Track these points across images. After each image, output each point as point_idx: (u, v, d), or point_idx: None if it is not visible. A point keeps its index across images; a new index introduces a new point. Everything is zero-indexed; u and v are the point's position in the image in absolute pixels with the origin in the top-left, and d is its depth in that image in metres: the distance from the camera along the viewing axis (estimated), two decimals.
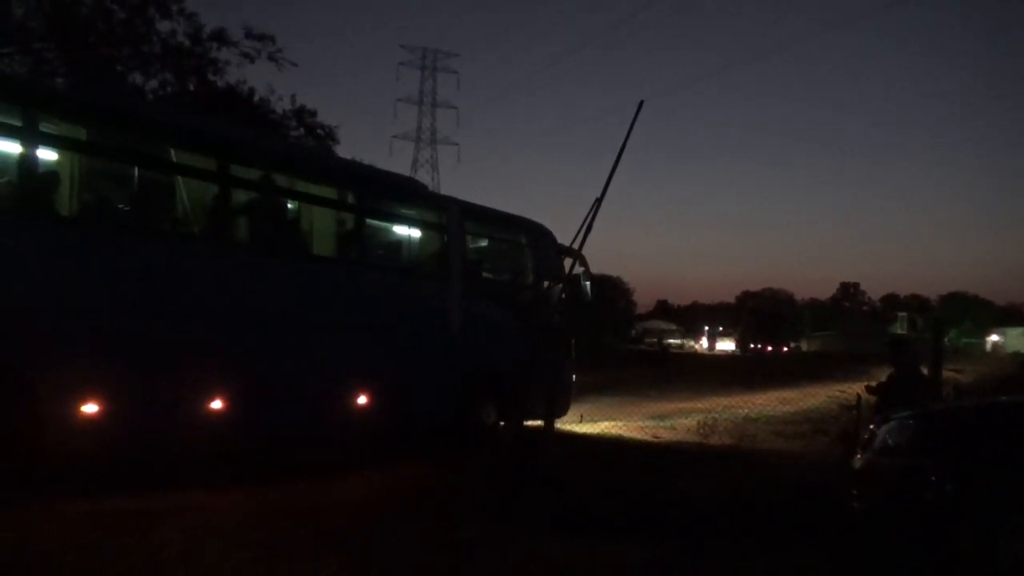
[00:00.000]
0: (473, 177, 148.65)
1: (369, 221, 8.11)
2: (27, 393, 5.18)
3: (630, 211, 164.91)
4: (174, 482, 5.83)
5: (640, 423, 12.66)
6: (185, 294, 6.15)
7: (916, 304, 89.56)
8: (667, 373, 25.69)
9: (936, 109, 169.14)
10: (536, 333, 8.05)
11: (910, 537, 4.77)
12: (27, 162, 5.36)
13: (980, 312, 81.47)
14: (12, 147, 5.42)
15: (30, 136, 5.39)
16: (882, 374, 8.03)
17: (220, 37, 17.31)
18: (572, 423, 11.40)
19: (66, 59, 15.74)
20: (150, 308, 5.87)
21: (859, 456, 5.42)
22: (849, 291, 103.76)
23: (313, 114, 19.91)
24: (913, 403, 6.19)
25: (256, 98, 18.77)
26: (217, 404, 6.28)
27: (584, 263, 9.44)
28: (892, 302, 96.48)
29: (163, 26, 16.77)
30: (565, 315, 9.37)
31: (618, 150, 7.60)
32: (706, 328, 77.18)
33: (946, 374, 9.67)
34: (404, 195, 8.66)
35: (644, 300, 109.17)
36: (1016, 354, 42.03)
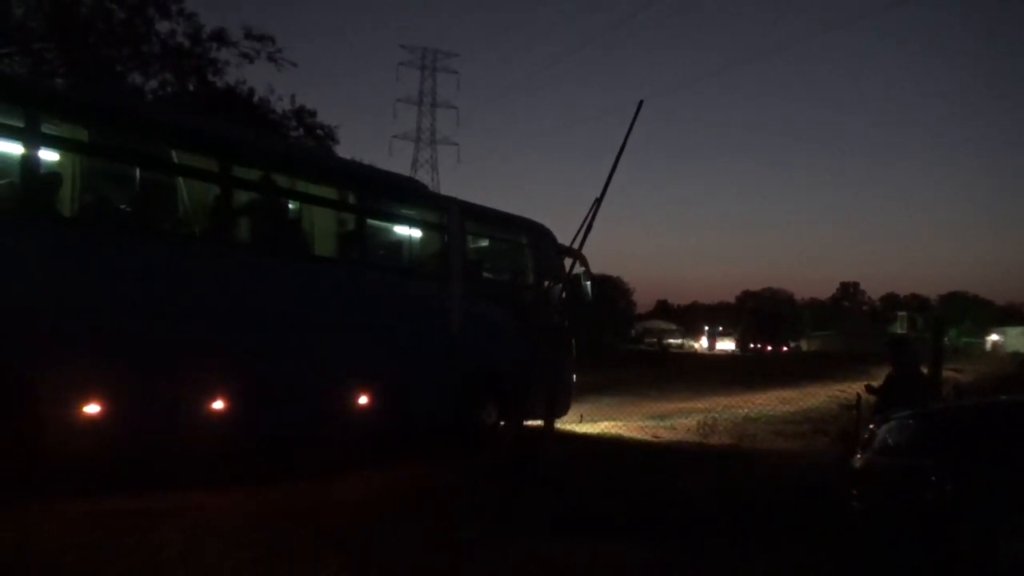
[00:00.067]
0: (473, 177, 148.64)
1: (369, 221, 8.11)
2: (28, 393, 5.18)
3: (630, 211, 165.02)
4: (174, 482, 5.83)
5: (640, 423, 12.66)
6: (186, 294, 6.15)
7: (916, 304, 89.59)
8: (667, 373, 25.68)
9: (936, 109, 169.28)
10: (536, 333, 8.06)
11: (910, 537, 4.77)
12: (28, 163, 5.36)
13: (980, 312, 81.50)
14: (13, 148, 5.43)
15: (31, 137, 5.39)
16: (882, 374, 8.04)
17: (220, 37, 17.33)
18: (572, 423, 11.40)
19: (66, 59, 15.74)
20: (151, 308, 5.87)
21: (859, 456, 5.41)
22: (849, 291, 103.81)
23: (313, 114, 19.94)
24: (913, 403, 6.19)
25: (256, 98, 18.79)
26: (218, 404, 6.28)
27: (584, 263, 9.45)
28: (892, 302, 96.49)
29: (163, 26, 16.79)
30: (565, 315, 9.38)
31: (618, 150, 7.62)
32: (706, 328, 77.13)
33: (946, 374, 9.68)
34: (404, 195, 8.67)
35: (644, 300, 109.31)
36: (1016, 354, 42.00)
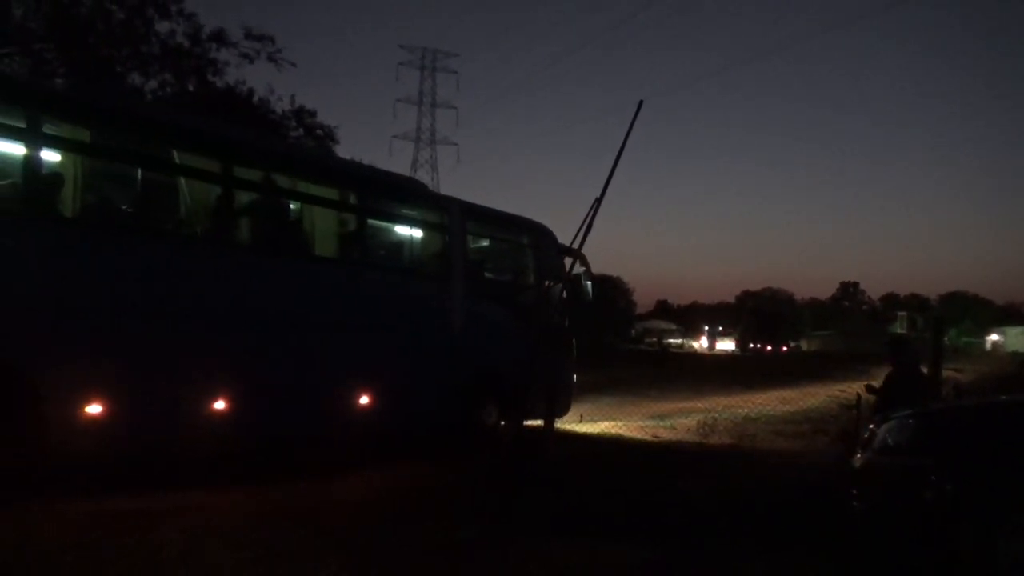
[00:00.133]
0: (473, 177, 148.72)
1: (370, 221, 8.11)
2: (30, 393, 5.18)
3: (630, 211, 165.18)
4: (174, 482, 5.83)
5: (640, 423, 12.66)
6: (187, 294, 6.15)
7: (916, 303, 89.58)
8: (667, 373, 25.69)
9: (936, 109, 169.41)
10: (537, 333, 8.05)
11: (910, 537, 4.77)
12: (30, 163, 5.37)
13: (980, 311, 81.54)
14: (15, 148, 5.43)
15: (33, 137, 5.39)
16: (882, 374, 8.03)
17: (219, 38, 17.34)
18: (572, 423, 11.40)
19: (65, 60, 15.75)
20: (152, 308, 5.87)
21: (859, 455, 5.41)
22: (849, 291, 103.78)
23: (313, 114, 19.95)
24: (913, 402, 6.19)
25: (255, 98, 18.81)
26: (220, 404, 6.28)
27: (585, 263, 9.45)
28: (892, 301, 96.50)
29: (162, 27, 16.81)
30: (566, 315, 9.38)
31: (618, 150, 7.61)
32: (706, 328, 77.17)
33: (946, 373, 9.66)
34: (405, 195, 8.67)
35: (644, 300, 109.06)
36: (1016, 353, 41.99)
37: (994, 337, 68.67)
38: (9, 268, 5.17)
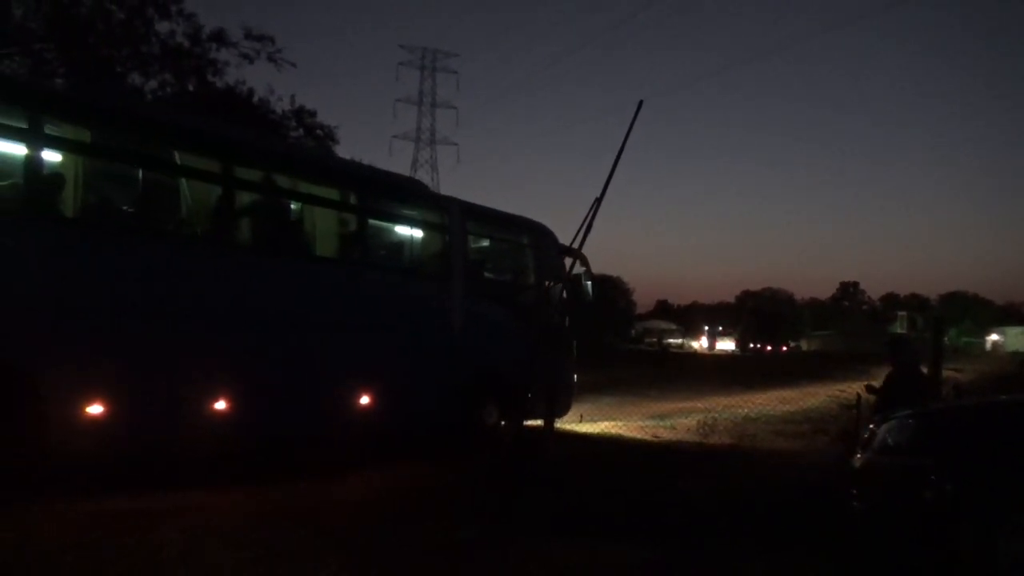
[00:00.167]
0: (473, 177, 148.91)
1: (370, 221, 8.11)
2: (31, 394, 5.19)
3: (630, 211, 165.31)
4: (174, 482, 5.83)
5: (640, 423, 12.66)
6: (187, 294, 6.16)
7: (916, 303, 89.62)
8: (667, 373, 25.69)
9: (936, 109, 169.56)
10: (537, 333, 8.05)
11: (910, 537, 4.77)
12: (32, 164, 5.38)
13: (980, 311, 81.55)
14: (17, 149, 5.44)
15: (34, 138, 5.40)
16: (882, 374, 8.03)
17: (219, 38, 17.34)
18: (572, 423, 11.40)
19: (66, 60, 15.75)
20: (153, 308, 5.88)
21: (859, 455, 5.41)
22: (849, 291, 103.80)
23: (312, 114, 19.95)
24: (913, 402, 6.19)
25: (255, 99, 18.81)
26: (220, 404, 6.28)
27: (585, 263, 9.45)
28: (892, 301, 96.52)
29: (162, 27, 16.81)
30: (566, 315, 9.38)
31: (618, 150, 7.61)
32: (706, 328, 77.16)
33: (946, 373, 9.66)
34: (405, 195, 8.67)
35: (644, 300, 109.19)
36: (1016, 353, 42.04)
37: (994, 337, 68.67)
38: (10, 268, 5.17)
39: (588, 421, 12.09)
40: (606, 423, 12.12)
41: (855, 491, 5.18)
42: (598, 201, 7.62)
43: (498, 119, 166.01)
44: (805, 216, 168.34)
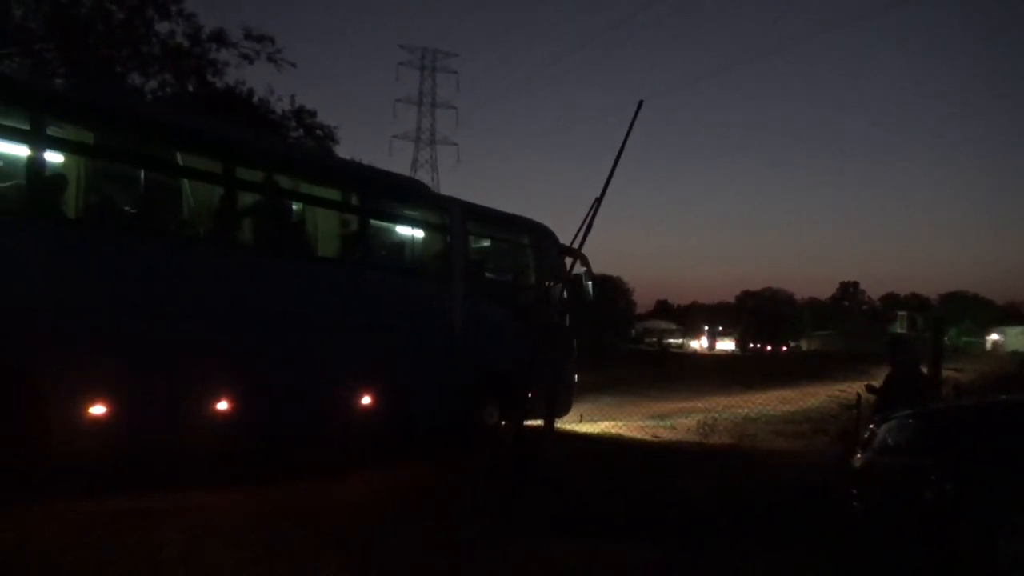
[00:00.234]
0: (473, 177, 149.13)
1: (371, 222, 8.11)
2: (34, 394, 5.19)
3: (630, 211, 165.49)
4: (174, 482, 5.84)
5: (640, 423, 12.66)
6: (189, 295, 6.16)
7: (916, 303, 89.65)
8: (667, 373, 25.70)
9: (936, 109, 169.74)
10: (537, 333, 8.05)
11: (910, 537, 4.77)
12: (34, 164, 5.38)
13: (980, 311, 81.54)
14: (19, 149, 5.44)
15: (37, 139, 5.40)
16: (881, 373, 8.03)
17: (219, 38, 17.35)
18: (572, 423, 11.40)
19: (65, 60, 15.76)
20: (154, 309, 5.88)
21: (859, 455, 5.41)
22: (849, 290, 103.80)
23: (312, 114, 19.96)
24: (913, 402, 6.19)
25: (255, 99, 18.81)
26: (222, 404, 6.29)
27: (586, 263, 9.45)
28: (892, 301, 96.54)
29: (162, 27, 16.83)
30: (567, 315, 9.38)
31: (618, 150, 7.61)
32: (706, 328, 77.17)
33: (946, 373, 9.66)
34: (406, 196, 8.66)
35: (644, 300, 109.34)
36: (1016, 353, 42.07)
37: (994, 337, 68.67)
38: (13, 269, 5.18)
39: (588, 421, 12.09)
40: (606, 423, 12.12)
41: (855, 491, 5.18)
42: (598, 201, 7.62)
43: (498, 119, 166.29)
44: (805, 216, 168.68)
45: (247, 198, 7.10)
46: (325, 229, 7.63)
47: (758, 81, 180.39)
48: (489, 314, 8.82)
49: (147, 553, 4.19)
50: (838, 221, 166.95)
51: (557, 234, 9.74)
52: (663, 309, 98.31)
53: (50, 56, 15.72)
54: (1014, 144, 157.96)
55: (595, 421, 12.22)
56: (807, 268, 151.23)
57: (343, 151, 20.79)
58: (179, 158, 6.62)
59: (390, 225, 8.66)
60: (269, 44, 17.66)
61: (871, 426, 5.58)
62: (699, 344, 73.33)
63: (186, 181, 6.63)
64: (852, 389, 10.55)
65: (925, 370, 8.19)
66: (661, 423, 12.71)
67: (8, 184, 5.62)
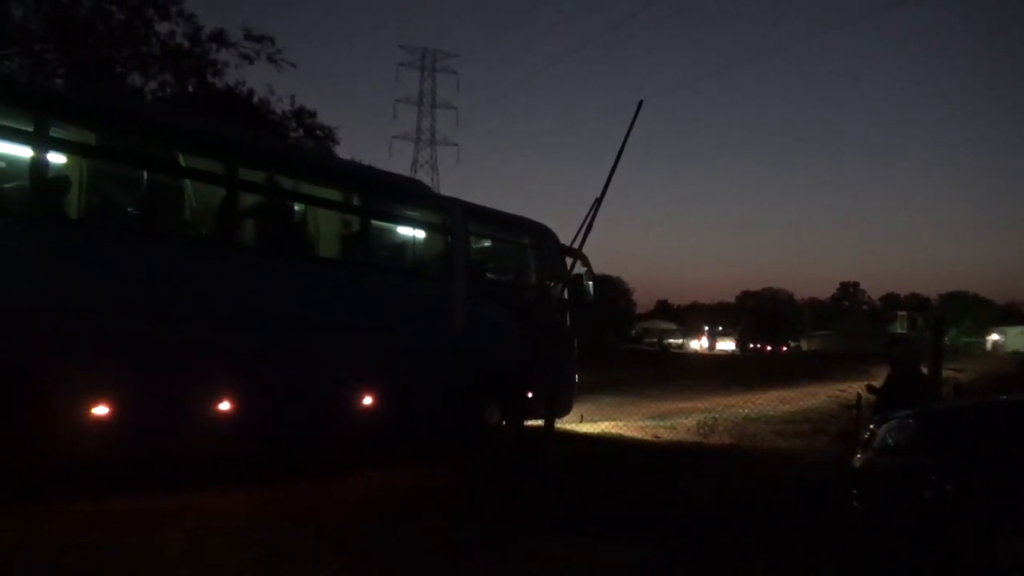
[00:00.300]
0: (473, 177, 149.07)
1: (373, 222, 8.11)
2: (36, 395, 5.20)
3: (630, 211, 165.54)
4: (176, 482, 5.84)
5: (640, 423, 12.67)
6: (191, 296, 6.17)
7: (916, 303, 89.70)
8: (667, 373, 25.71)
9: (936, 109, 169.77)
10: (538, 333, 8.05)
11: (910, 537, 4.77)
12: (37, 165, 5.39)
13: (980, 311, 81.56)
14: (22, 151, 5.45)
15: (40, 140, 5.41)
16: (882, 373, 8.04)
17: (219, 38, 17.34)
18: (572, 423, 11.41)
19: (65, 60, 15.75)
20: (157, 310, 5.89)
21: (859, 455, 5.41)
22: (849, 290, 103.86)
23: (312, 115, 19.95)
24: (913, 402, 6.19)
25: (255, 99, 18.80)
26: (224, 405, 6.29)
27: (586, 263, 9.45)
28: (892, 301, 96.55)
29: (162, 27, 16.81)
30: (568, 315, 9.38)
31: (618, 150, 7.61)
32: (706, 328, 77.13)
33: (946, 373, 9.67)
34: (407, 196, 8.67)
35: (644, 300, 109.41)
36: (1016, 353, 42.08)
37: (994, 337, 68.64)
38: (16, 269, 5.19)
39: (588, 421, 12.09)
40: (606, 423, 12.13)
41: (855, 491, 5.18)
42: (598, 201, 7.62)
43: (498, 119, 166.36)
44: (805, 216, 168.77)
45: (248, 199, 7.10)
46: (326, 230, 7.64)
47: (758, 81, 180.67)
48: (490, 314, 8.83)
49: (149, 553, 4.20)
50: (838, 221, 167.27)
51: (557, 234, 9.76)
52: (663, 309, 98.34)
53: (50, 57, 15.72)
54: (1014, 144, 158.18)
55: (595, 421, 12.22)
56: (807, 268, 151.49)
57: (343, 151, 20.83)
58: (181, 159, 6.63)
59: (391, 226, 8.66)
60: (269, 44, 17.68)
61: (871, 426, 5.58)
62: (699, 344, 73.30)
63: (188, 182, 6.64)
64: (852, 389, 10.56)
65: (925, 370, 8.20)
66: (661, 423, 12.71)
67: (11, 185, 5.64)
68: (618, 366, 24.60)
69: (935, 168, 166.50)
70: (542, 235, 9.79)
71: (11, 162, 5.58)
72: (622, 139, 7.60)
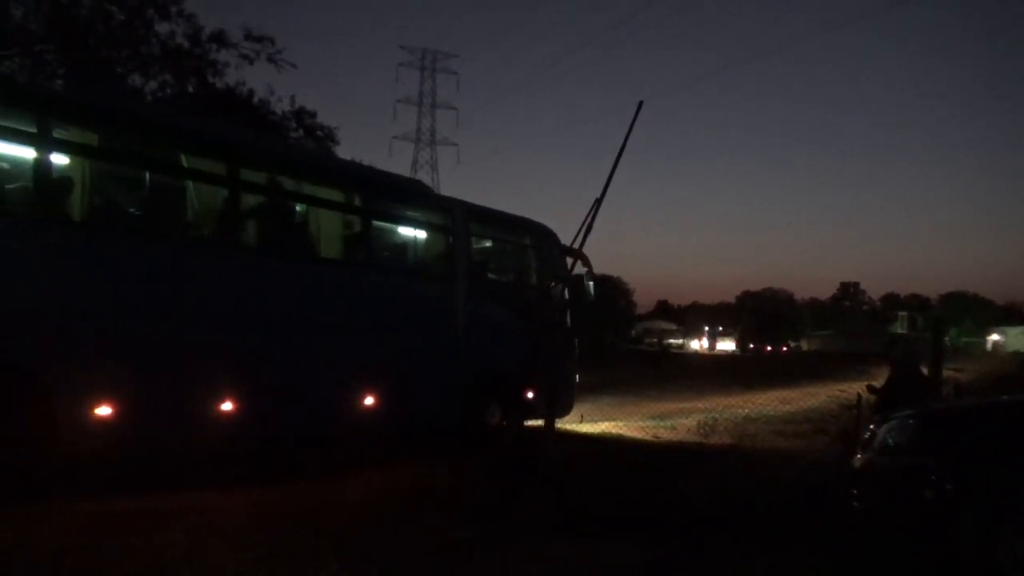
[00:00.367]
0: (473, 178, 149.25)
1: (374, 223, 8.12)
2: (39, 395, 5.21)
3: (630, 211, 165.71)
4: (177, 483, 5.85)
5: (640, 423, 12.68)
6: (194, 296, 6.18)
7: (916, 303, 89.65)
8: (667, 373, 25.72)
9: (936, 109, 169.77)
10: (538, 333, 8.06)
11: (910, 537, 4.78)
12: (40, 167, 5.40)
13: (980, 311, 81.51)
14: (25, 152, 5.46)
15: (43, 141, 5.41)
16: (882, 373, 8.04)
17: (219, 38, 17.33)
18: (572, 423, 11.41)
19: (65, 61, 15.75)
20: (159, 310, 5.90)
21: (859, 455, 5.42)
22: (849, 291, 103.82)
23: (313, 115, 19.94)
24: (913, 402, 6.19)
25: (255, 99, 18.80)
26: (226, 406, 6.29)
27: (587, 263, 9.45)
28: (892, 301, 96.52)
29: (162, 28, 16.80)
30: (568, 315, 9.38)
31: (618, 150, 7.62)
32: (706, 328, 77.14)
33: (946, 373, 9.67)
34: (408, 197, 8.68)
35: (644, 300, 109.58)
36: (1016, 353, 42.07)
37: (995, 337, 68.63)
38: (19, 270, 5.20)
39: (589, 421, 12.10)
40: (606, 423, 12.13)
41: (855, 491, 5.19)
42: (598, 201, 7.63)
43: (498, 120, 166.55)
44: (805, 216, 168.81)
45: (249, 199, 7.10)
46: (328, 230, 7.64)
47: (758, 81, 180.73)
48: (491, 315, 8.83)
49: (150, 554, 4.20)
50: (838, 221, 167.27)
51: (558, 234, 9.77)
52: (663, 309, 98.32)
53: (50, 57, 15.72)
54: (1014, 145, 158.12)
55: (595, 421, 12.23)
56: (807, 268, 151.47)
57: (343, 152, 20.82)
58: (181, 160, 6.63)
59: (392, 226, 8.67)
60: (269, 45, 17.66)
61: (871, 426, 5.59)
62: (699, 344, 73.33)
63: (189, 183, 6.64)
64: (852, 389, 10.56)
65: (925, 370, 8.20)
66: (661, 423, 12.72)
67: (14, 186, 5.64)
68: (618, 366, 24.61)
69: (935, 168, 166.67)
70: (543, 235, 9.79)
71: (13, 163, 5.59)
72: (622, 139, 7.62)
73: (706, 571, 4.59)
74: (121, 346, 5.68)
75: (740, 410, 14.02)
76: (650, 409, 14.78)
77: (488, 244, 9.82)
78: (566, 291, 8.87)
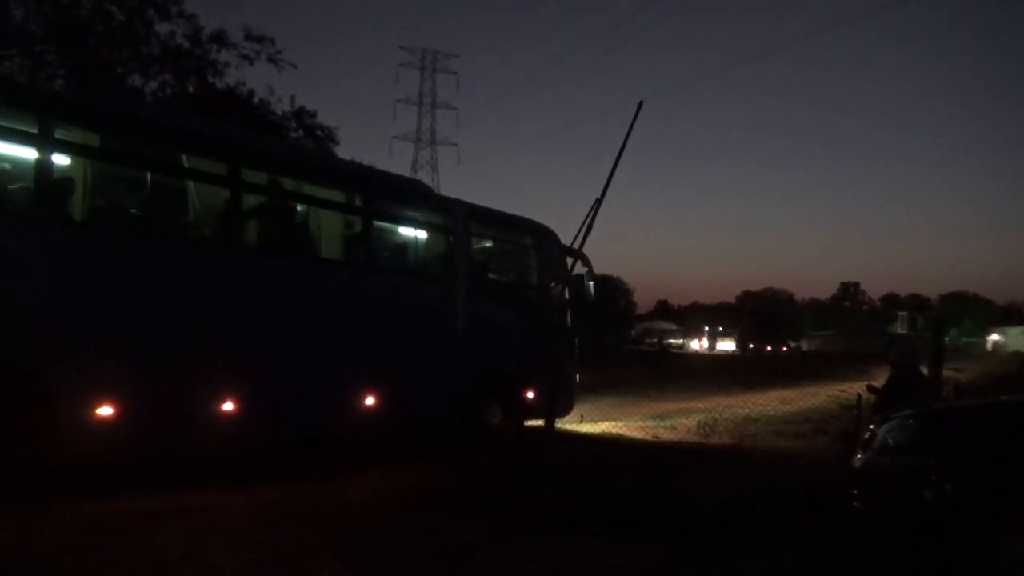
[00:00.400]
0: (473, 178, 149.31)
1: (374, 223, 8.12)
2: (40, 395, 5.21)
3: (630, 211, 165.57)
4: (177, 483, 5.85)
5: (640, 423, 12.68)
6: (194, 297, 6.18)
7: (916, 303, 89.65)
8: (667, 373, 25.72)
9: (936, 109, 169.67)
10: (539, 333, 8.06)
11: (910, 537, 4.78)
12: (42, 167, 5.40)
13: (980, 311, 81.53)
14: (27, 152, 5.47)
15: (45, 142, 5.42)
16: (882, 373, 8.04)
17: (219, 39, 17.32)
18: (573, 423, 11.41)
19: (66, 61, 15.76)
20: (160, 311, 5.90)
21: (859, 456, 5.42)
22: (849, 291, 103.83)
23: (313, 115, 19.92)
24: (913, 402, 6.19)
25: (256, 99, 18.78)
26: (228, 406, 6.30)
27: (587, 263, 9.47)
28: (892, 302, 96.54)
29: (162, 28, 16.79)
30: (569, 315, 9.39)
31: (618, 151, 7.63)
32: (706, 328, 77.17)
33: (946, 373, 9.67)
34: (409, 197, 8.68)
35: (644, 300, 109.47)
36: (1016, 353, 41.99)
37: (995, 337, 68.64)
38: (20, 270, 5.20)
39: (589, 421, 12.10)
40: (606, 423, 12.13)
41: (855, 491, 5.19)
42: (598, 202, 7.64)
43: (498, 120, 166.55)
44: (805, 216, 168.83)
45: (249, 200, 7.10)
46: (328, 231, 7.64)
47: (758, 81, 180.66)
48: (492, 315, 8.84)
49: (151, 554, 4.20)
50: (838, 222, 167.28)
51: (558, 234, 9.77)
52: (663, 309, 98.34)
53: (50, 58, 15.71)
54: (1014, 145, 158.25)
55: (595, 421, 12.23)
56: (807, 268, 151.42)
57: (343, 152, 20.80)
58: (183, 160, 6.64)
59: (393, 226, 8.68)
60: (269, 45, 17.64)
61: (871, 426, 5.59)
62: (699, 344, 73.36)
63: (190, 183, 6.64)
64: (852, 389, 10.57)
65: (925, 370, 8.20)
66: (661, 423, 12.72)
67: (16, 187, 5.65)
68: (618, 366, 24.62)
69: (935, 168, 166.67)
70: (543, 235, 9.80)
71: (14, 163, 5.60)
72: (622, 140, 7.63)
73: (706, 571, 4.59)
74: (122, 346, 5.69)
75: (740, 410, 14.02)
76: (650, 409, 14.78)
77: (488, 244, 9.83)
78: (566, 291, 8.88)
